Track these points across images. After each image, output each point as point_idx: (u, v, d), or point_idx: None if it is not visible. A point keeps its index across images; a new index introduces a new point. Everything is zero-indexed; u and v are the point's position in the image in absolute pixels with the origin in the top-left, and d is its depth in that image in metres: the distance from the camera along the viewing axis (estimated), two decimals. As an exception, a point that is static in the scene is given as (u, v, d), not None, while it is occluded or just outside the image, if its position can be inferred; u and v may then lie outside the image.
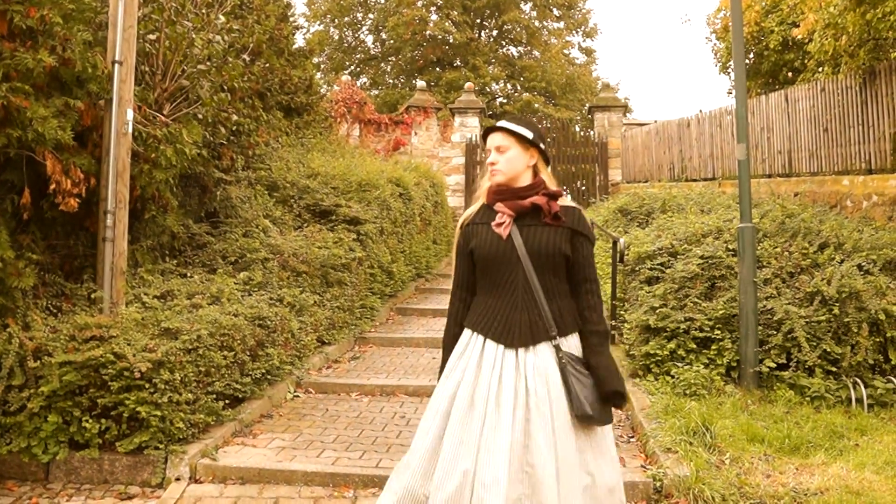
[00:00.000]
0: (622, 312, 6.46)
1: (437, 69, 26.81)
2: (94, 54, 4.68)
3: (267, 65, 8.54)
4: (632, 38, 58.61)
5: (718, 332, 5.41)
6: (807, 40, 10.02)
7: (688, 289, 5.70)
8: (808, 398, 5.02)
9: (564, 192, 2.67)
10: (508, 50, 28.97)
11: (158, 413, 4.03)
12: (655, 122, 15.78)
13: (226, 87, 6.21)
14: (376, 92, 27.28)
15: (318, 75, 21.89)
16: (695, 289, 5.69)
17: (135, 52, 4.97)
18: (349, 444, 4.54)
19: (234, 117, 6.41)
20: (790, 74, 12.34)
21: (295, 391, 5.68)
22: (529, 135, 2.59)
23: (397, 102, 22.60)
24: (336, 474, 4.03)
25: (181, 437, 4.17)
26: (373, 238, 8.07)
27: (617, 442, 3.84)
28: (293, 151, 9.22)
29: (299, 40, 15.97)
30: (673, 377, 5.22)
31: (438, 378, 2.67)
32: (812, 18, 9.31)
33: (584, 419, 2.42)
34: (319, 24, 28.31)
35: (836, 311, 5.19)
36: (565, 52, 29.05)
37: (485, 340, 2.53)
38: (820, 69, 10.21)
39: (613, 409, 2.52)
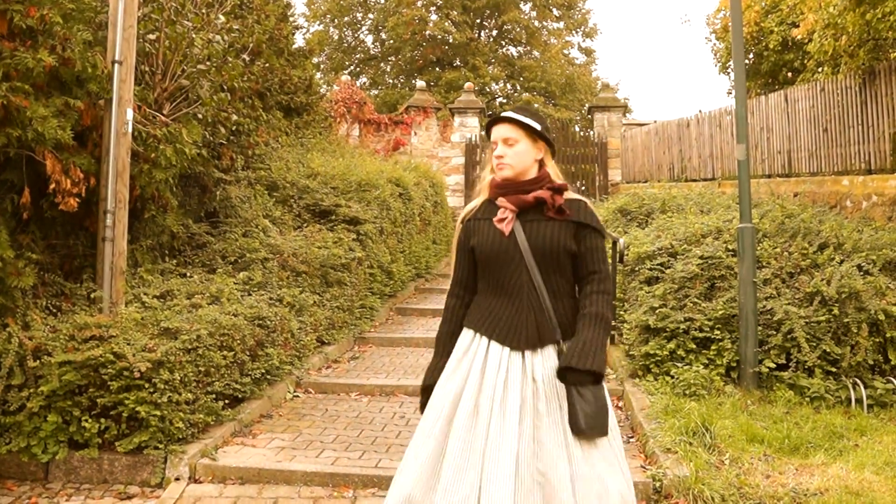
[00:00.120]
0: (622, 313, 6.46)
1: (437, 69, 26.82)
2: (94, 54, 4.68)
3: (267, 65, 8.54)
4: (631, 38, 58.70)
5: (718, 332, 5.40)
6: (806, 40, 10.02)
7: (687, 289, 5.70)
8: (807, 398, 5.02)
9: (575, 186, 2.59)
10: (508, 50, 29.02)
11: (158, 413, 4.03)
12: (655, 122, 15.78)
13: (226, 87, 6.21)
14: (376, 92, 27.30)
15: (318, 75, 21.92)
16: (694, 289, 5.69)
17: (135, 51, 4.97)
18: (349, 444, 4.54)
19: (234, 117, 6.41)
20: (790, 74, 12.34)
21: (294, 391, 5.68)
22: (539, 126, 2.48)
23: (397, 102, 22.61)
24: (336, 474, 4.03)
25: (181, 436, 4.16)
26: (372, 238, 8.07)
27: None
28: (293, 151, 9.21)
29: (299, 40, 15.97)
30: (672, 377, 5.22)
31: (425, 375, 2.56)
32: (812, 18, 9.31)
33: (576, 432, 2.28)
34: (319, 24, 28.35)
35: (835, 311, 5.19)
36: (565, 52, 29.09)
37: (489, 342, 2.42)
38: (819, 69, 10.21)
39: (613, 410, 2.39)
